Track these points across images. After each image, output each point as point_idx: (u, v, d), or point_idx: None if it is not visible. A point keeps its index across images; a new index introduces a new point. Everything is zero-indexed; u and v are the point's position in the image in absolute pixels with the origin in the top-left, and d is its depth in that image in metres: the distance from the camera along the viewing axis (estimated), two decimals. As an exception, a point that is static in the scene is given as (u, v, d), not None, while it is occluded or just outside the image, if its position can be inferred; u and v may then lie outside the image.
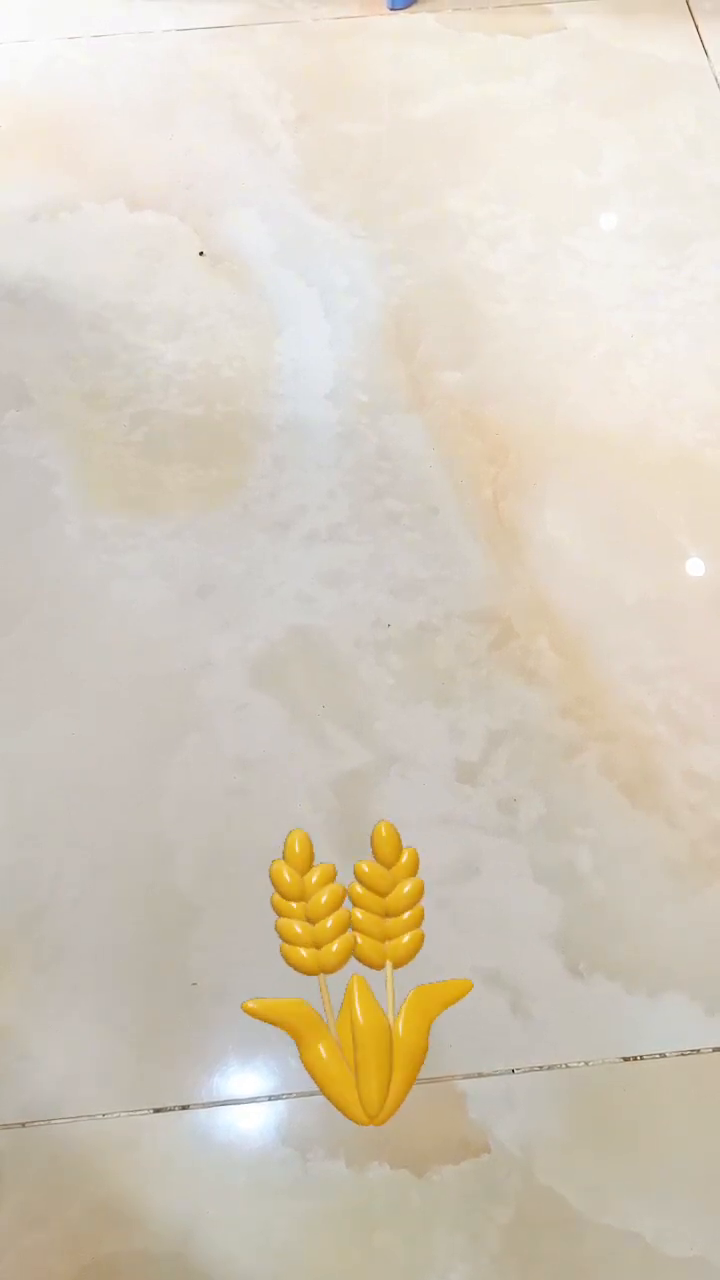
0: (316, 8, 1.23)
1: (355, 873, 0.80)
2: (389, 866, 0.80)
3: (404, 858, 0.80)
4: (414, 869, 0.80)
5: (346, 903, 0.79)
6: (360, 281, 1.05)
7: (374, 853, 0.80)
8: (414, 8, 1.23)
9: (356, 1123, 0.72)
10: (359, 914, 0.78)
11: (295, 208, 1.10)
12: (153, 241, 1.08)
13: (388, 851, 0.80)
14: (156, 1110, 0.73)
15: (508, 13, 1.22)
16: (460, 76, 1.18)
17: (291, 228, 1.09)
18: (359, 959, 0.77)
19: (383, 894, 0.79)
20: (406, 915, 0.78)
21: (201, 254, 1.07)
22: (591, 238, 1.07)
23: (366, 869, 0.79)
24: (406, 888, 0.79)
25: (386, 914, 0.78)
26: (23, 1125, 0.72)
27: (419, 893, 0.79)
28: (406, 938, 0.77)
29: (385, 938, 0.78)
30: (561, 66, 1.18)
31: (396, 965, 0.77)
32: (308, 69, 1.18)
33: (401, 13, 1.22)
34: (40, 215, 1.09)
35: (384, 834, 0.81)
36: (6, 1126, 0.72)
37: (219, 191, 1.11)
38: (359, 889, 0.79)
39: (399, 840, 0.81)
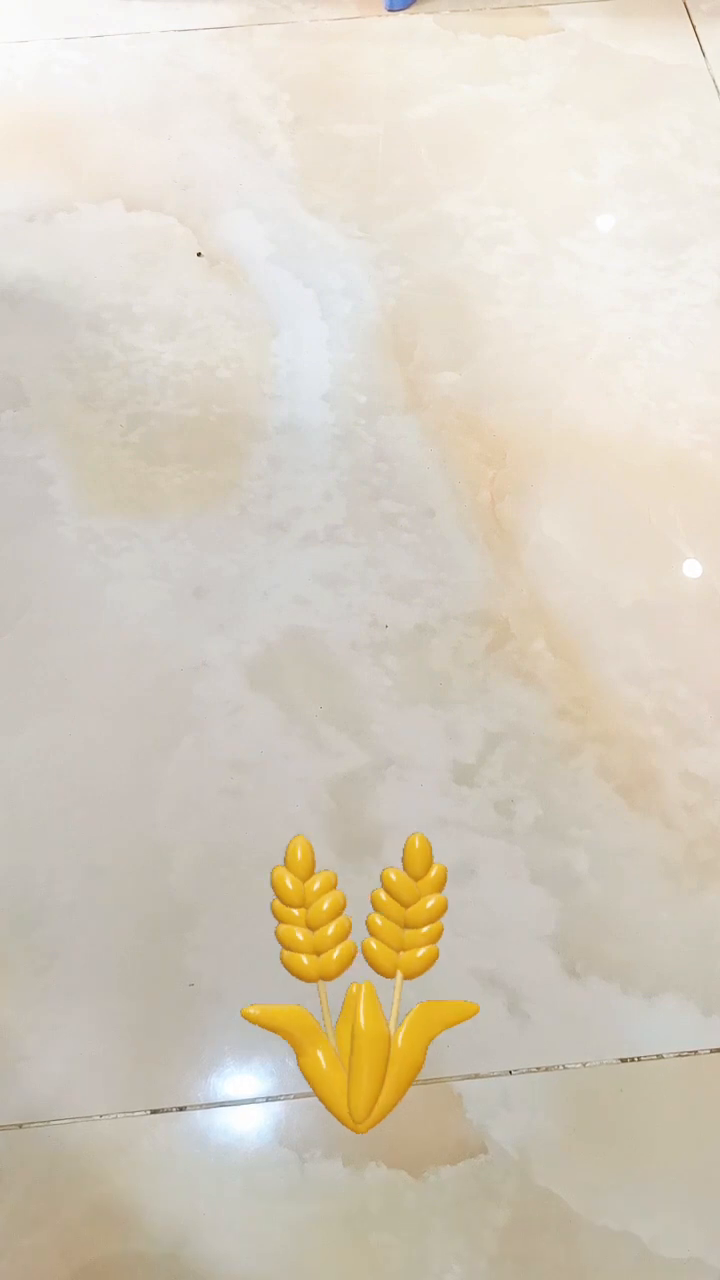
0: (314, 9, 1.23)
1: (382, 879, 0.80)
2: (416, 879, 0.80)
3: (433, 872, 0.80)
4: (440, 885, 0.79)
5: (347, 910, 0.79)
6: (357, 283, 1.05)
7: (404, 863, 0.80)
8: (412, 9, 1.23)
9: (343, 1125, 0.72)
10: (378, 920, 0.78)
11: (292, 209, 1.10)
12: (149, 243, 1.08)
13: (417, 864, 0.80)
14: (153, 1111, 0.73)
15: (505, 14, 1.22)
16: (457, 78, 1.18)
17: (288, 229, 1.09)
18: (371, 965, 0.77)
19: (405, 905, 0.79)
20: (426, 929, 0.78)
21: (199, 255, 1.07)
22: (588, 240, 1.08)
23: (394, 877, 0.79)
24: (430, 903, 0.79)
25: (406, 925, 0.78)
26: (19, 1126, 0.72)
27: (441, 909, 0.79)
28: (421, 952, 0.77)
29: (401, 948, 0.78)
30: (559, 68, 1.18)
31: (407, 977, 0.77)
32: (305, 71, 1.18)
33: (399, 14, 1.22)
34: (37, 216, 1.09)
35: (416, 846, 0.80)
36: (3, 1128, 0.72)
37: (216, 193, 1.11)
38: (383, 896, 0.79)
39: (430, 854, 0.80)
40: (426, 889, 0.79)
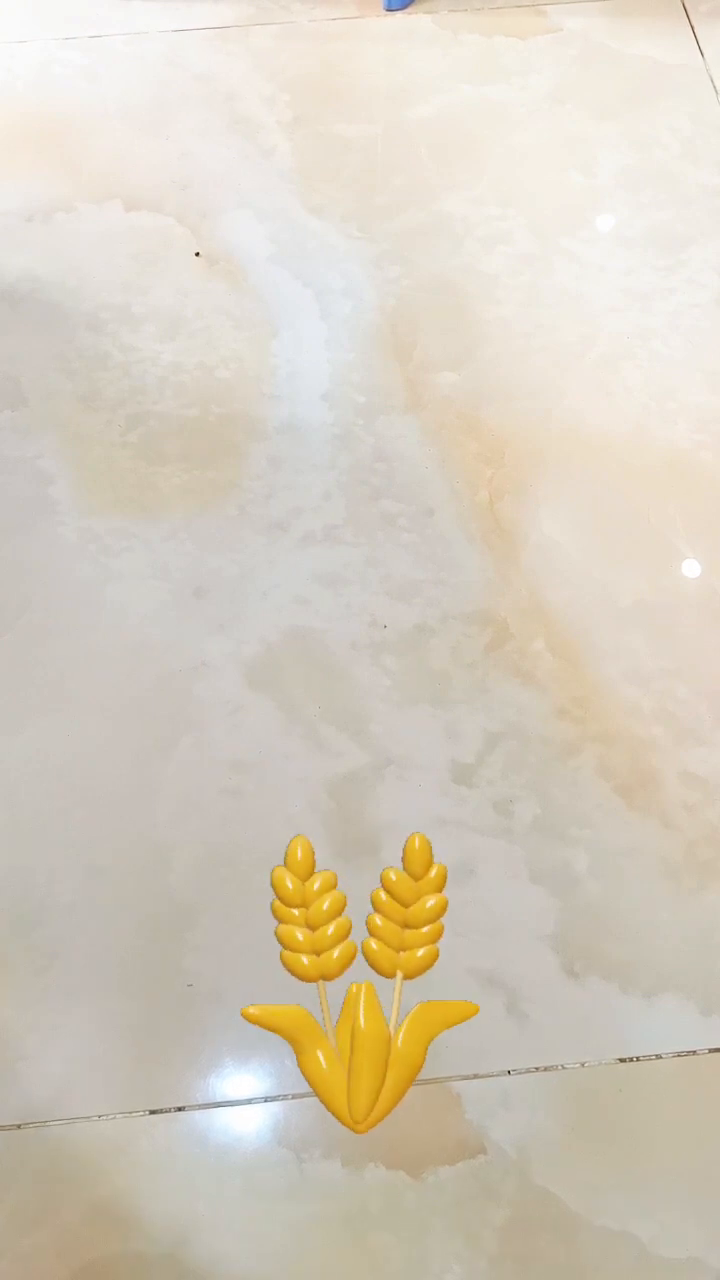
0: (313, 9, 1.23)
1: (381, 880, 0.80)
2: (416, 879, 0.79)
3: (433, 872, 0.80)
4: (441, 885, 0.79)
5: (347, 910, 0.79)
6: (356, 283, 1.05)
7: (404, 863, 0.80)
8: (410, 9, 1.23)
9: (343, 1125, 0.72)
10: (378, 920, 0.78)
11: (291, 209, 1.10)
12: (149, 243, 1.08)
13: (417, 864, 0.80)
14: (152, 1112, 0.73)
15: (504, 14, 1.22)
16: (456, 78, 1.18)
17: (287, 229, 1.09)
18: (371, 965, 0.77)
19: (406, 905, 0.79)
20: (426, 929, 0.78)
21: (198, 255, 1.07)
22: (587, 240, 1.08)
23: (394, 877, 0.79)
24: (430, 902, 0.78)
25: (406, 925, 0.78)
26: (18, 1127, 0.72)
27: (441, 909, 0.78)
28: (421, 952, 0.77)
29: (401, 948, 0.77)
30: (558, 68, 1.18)
31: (407, 977, 0.77)
32: (304, 70, 1.18)
33: (398, 14, 1.22)
34: (36, 216, 1.09)
35: (416, 846, 0.80)
36: (3, 1128, 0.72)
37: (215, 193, 1.11)
38: (383, 896, 0.79)
39: (430, 854, 0.80)
40: (426, 889, 0.79)
